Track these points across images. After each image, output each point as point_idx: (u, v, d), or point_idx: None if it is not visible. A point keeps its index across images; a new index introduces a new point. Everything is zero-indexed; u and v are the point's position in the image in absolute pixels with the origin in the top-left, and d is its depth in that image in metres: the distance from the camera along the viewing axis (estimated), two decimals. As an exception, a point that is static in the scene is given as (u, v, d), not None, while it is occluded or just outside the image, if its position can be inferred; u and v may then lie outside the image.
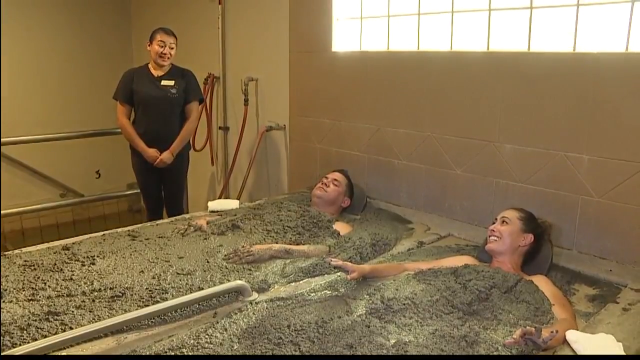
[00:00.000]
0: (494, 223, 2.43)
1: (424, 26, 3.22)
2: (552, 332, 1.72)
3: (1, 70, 4.87)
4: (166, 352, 1.74)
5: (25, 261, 2.41)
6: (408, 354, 1.70)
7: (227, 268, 2.37)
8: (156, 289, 2.15)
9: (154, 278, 2.25)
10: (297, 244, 2.66)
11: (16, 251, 2.58)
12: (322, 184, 3.17)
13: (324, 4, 3.67)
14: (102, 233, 2.85)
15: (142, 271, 2.33)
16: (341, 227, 2.91)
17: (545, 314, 1.99)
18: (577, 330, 1.87)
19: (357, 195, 3.32)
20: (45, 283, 2.18)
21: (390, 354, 1.70)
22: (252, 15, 4.35)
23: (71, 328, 1.84)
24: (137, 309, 1.96)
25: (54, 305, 2.00)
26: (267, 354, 1.73)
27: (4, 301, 2.04)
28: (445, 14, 3.09)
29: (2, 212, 4.76)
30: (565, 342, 1.80)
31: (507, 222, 2.38)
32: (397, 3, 3.34)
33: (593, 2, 2.53)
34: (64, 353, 1.73)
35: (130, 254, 2.52)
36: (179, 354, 1.73)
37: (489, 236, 2.40)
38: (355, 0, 3.57)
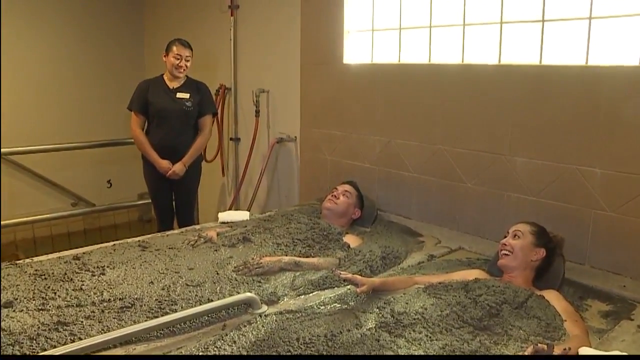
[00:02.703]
0: (505, 237, 2.40)
1: (435, 39, 3.22)
2: (564, 349, 1.69)
3: (2, 78, 4.91)
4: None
5: (36, 270, 2.43)
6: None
7: (236, 280, 2.37)
8: (165, 300, 2.15)
9: (163, 289, 2.25)
10: (307, 257, 2.65)
11: (27, 260, 2.60)
12: (332, 196, 3.16)
13: (335, 16, 3.68)
14: (112, 243, 2.86)
15: (151, 282, 2.33)
16: (351, 240, 2.90)
17: (556, 330, 1.96)
18: (590, 347, 1.84)
19: (368, 207, 3.31)
20: (55, 293, 2.19)
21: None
22: (264, 27, 4.37)
23: (80, 339, 1.85)
24: (146, 320, 1.97)
25: (64, 315, 2.01)
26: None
27: (14, 310, 2.05)
28: (456, 26, 3.08)
29: (14, 221, 4.81)
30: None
31: (519, 236, 2.35)
32: (408, 15, 3.35)
33: (605, 15, 2.52)
34: (72, 364, 1.73)
35: (140, 265, 2.53)
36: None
37: (500, 250, 2.37)
38: (366, 13, 3.58)
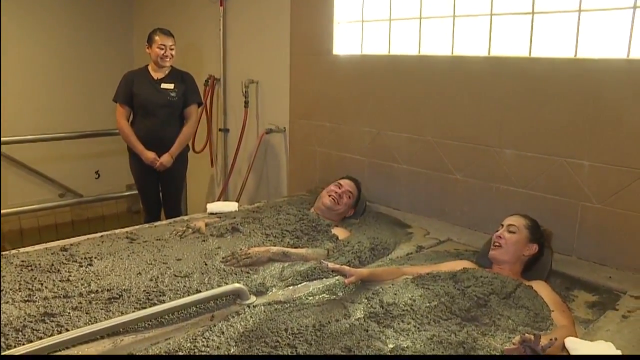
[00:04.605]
0: (498, 230, 2.38)
1: (425, 30, 3.21)
2: (551, 339, 1.70)
3: (1, 70, 4.86)
4: (163, 355, 1.73)
5: (22, 261, 2.40)
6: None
7: (225, 271, 2.36)
8: (153, 291, 2.14)
9: (151, 280, 2.24)
10: (296, 248, 2.65)
11: (13, 251, 2.57)
12: (336, 194, 3.06)
13: (325, 7, 3.66)
14: (100, 234, 2.84)
15: (139, 273, 2.32)
16: (340, 232, 2.90)
17: (544, 320, 1.98)
18: (577, 337, 1.86)
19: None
20: (42, 284, 2.17)
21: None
22: (254, 18, 4.34)
23: (67, 330, 1.84)
24: (134, 311, 1.95)
25: (51, 306, 1.99)
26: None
27: (-1, 302, 2.03)
28: (446, 18, 3.08)
29: (0, 211, 4.76)
30: (564, 349, 1.79)
31: (514, 231, 2.34)
32: (398, 7, 3.34)
33: (595, 8, 2.53)
34: (59, 355, 1.72)
35: (128, 256, 2.51)
36: (175, 357, 1.72)
37: (494, 242, 2.37)
38: (356, 4, 3.57)
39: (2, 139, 4.73)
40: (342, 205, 3.08)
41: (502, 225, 2.39)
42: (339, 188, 3.10)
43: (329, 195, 3.07)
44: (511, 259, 2.31)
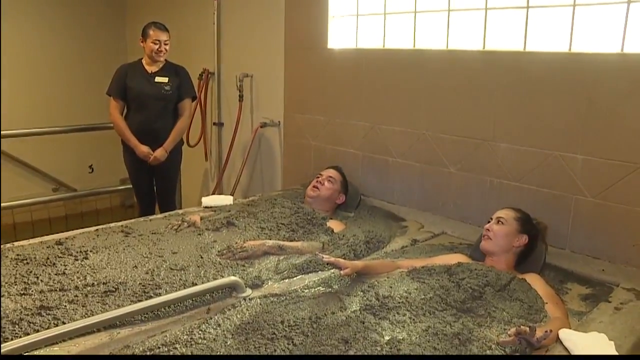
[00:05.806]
0: (489, 222, 2.42)
1: (420, 24, 3.21)
2: (546, 331, 1.72)
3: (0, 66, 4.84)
4: (159, 347, 1.73)
5: (17, 255, 2.40)
6: (401, 352, 1.70)
7: (220, 264, 2.37)
8: (149, 284, 2.14)
9: (147, 273, 2.25)
10: (291, 241, 2.66)
11: (8, 245, 2.57)
12: (317, 182, 3.15)
13: (319, 0, 3.66)
14: (95, 228, 2.84)
15: (135, 266, 2.32)
16: (335, 225, 2.90)
17: (538, 312, 2.00)
18: (570, 329, 1.88)
19: (351, 193, 3.32)
20: (37, 277, 2.17)
21: (384, 351, 1.70)
22: (248, 11, 4.33)
23: (64, 323, 1.84)
24: (130, 304, 1.96)
25: (47, 299, 1.99)
26: (261, 349, 1.73)
27: (-5, 295, 2.03)
28: (441, 12, 3.09)
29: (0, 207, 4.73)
30: (558, 340, 1.81)
31: (502, 222, 2.37)
32: (393, 1, 3.34)
33: (589, 3, 2.54)
34: (56, 348, 1.72)
35: (124, 249, 2.51)
36: (172, 349, 1.73)
37: (484, 235, 2.40)
38: (351, -3, 3.57)
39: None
40: (324, 189, 3.11)
41: (492, 218, 2.42)
42: (320, 177, 3.18)
43: (313, 186, 3.14)
44: (501, 250, 2.34)
